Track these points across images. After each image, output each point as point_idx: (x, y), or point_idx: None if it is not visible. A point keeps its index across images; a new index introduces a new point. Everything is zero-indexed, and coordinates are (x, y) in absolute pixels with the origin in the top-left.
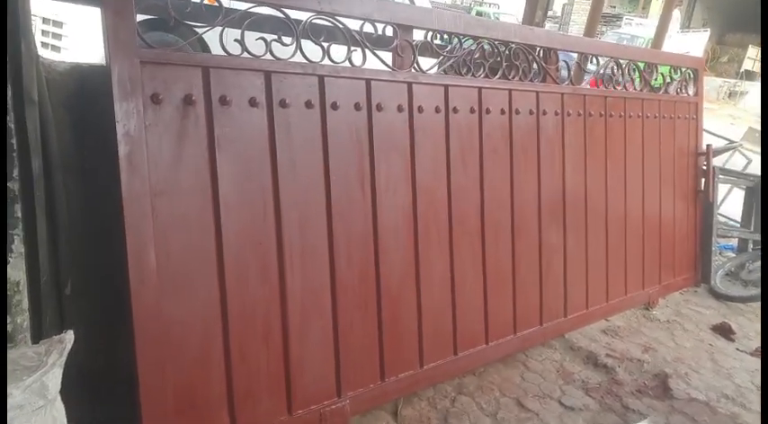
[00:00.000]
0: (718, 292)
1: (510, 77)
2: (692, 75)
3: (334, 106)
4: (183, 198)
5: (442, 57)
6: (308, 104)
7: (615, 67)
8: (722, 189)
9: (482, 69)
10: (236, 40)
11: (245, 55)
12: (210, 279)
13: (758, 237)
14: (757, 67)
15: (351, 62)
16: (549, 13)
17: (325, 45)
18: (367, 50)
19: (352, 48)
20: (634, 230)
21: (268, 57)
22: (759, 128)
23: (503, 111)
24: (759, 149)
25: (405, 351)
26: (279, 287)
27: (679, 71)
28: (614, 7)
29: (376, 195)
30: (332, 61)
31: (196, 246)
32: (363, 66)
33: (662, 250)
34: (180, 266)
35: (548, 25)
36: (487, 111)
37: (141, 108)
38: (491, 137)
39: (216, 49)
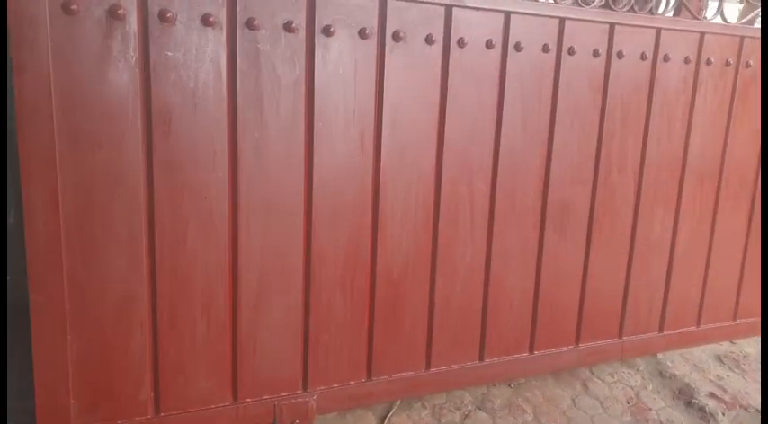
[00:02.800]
0: None
1: (616, 7)
2: None
3: (327, 31)
4: (104, 124)
5: None
6: (288, 27)
7: None
8: None
9: None
10: None
11: None
12: (136, 229)
13: None
14: None
15: None
16: None
17: None
18: None
19: None
20: None
21: None
22: None
23: (596, 53)
24: None
25: (404, 347)
26: (230, 246)
27: None
28: None
29: (381, 151)
30: None
31: (116, 189)
32: None
33: None
34: (95, 212)
35: None
36: (571, 52)
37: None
38: (572, 88)
39: None
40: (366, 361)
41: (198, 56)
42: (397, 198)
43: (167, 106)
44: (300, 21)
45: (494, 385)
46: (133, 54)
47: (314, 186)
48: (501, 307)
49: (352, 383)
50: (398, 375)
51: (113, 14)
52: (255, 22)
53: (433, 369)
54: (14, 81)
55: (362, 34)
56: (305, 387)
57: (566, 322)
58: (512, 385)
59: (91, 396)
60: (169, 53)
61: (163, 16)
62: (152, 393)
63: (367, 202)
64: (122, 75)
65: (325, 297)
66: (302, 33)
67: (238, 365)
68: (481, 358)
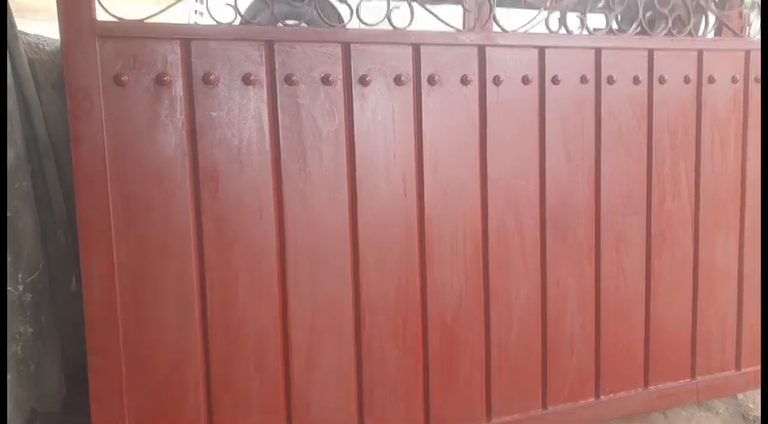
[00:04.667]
0: None
1: (653, 32)
2: None
3: (363, 81)
4: (155, 186)
5: (540, 10)
6: (326, 80)
7: None
8: None
9: (606, 23)
10: None
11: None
12: (188, 287)
13: None
14: None
15: (390, 22)
16: None
17: (354, 2)
18: (415, 5)
19: (393, 5)
20: None
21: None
22: None
23: (637, 80)
24: None
25: (462, 396)
26: (279, 300)
27: None
28: None
29: (423, 193)
30: (363, 23)
31: (167, 249)
32: (408, 28)
33: None
34: (148, 274)
35: None
36: (610, 81)
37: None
38: (614, 117)
39: None
40: (423, 413)
41: (241, 114)
42: (444, 239)
43: (214, 164)
44: (337, 73)
45: None
46: (180, 117)
47: (359, 233)
48: (561, 348)
49: None
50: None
51: (160, 81)
52: (294, 78)
53: (494, 420)
54: (72, 150)
55: (398, 81)
56: None
57: (632, 362)
58: None
59: None
60: (213, 113)
61: (206, 79)
62: None
63: (413, 245)
64: (170, 137)
65: (377, 348)
66: (339, 85)
67: (293, 420)
68: (544, 406)
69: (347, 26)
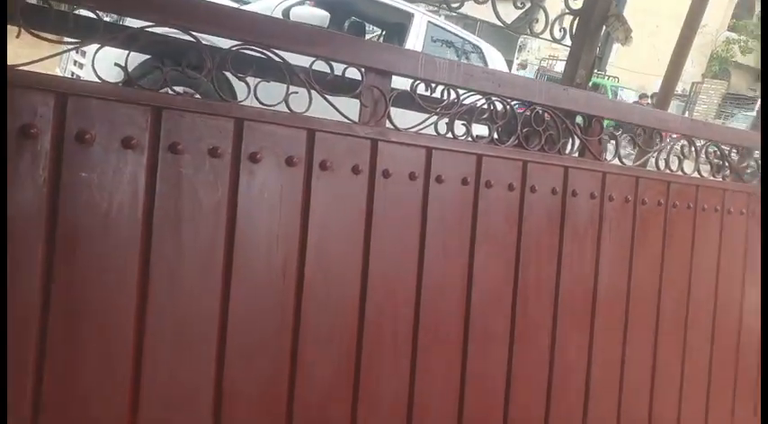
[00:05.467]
0: None
1: (528, 147)
2: None
3: (254, 158)
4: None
5: (431, 114)
6: (213, 153)
7: (687, 147)
8: None
9: (489, 133)
10: None
11: None
12: (24, 358)
13: None
14: None
15: (288, 105)
16: (678, 91)
17: (252, 81)
18: (314, 93)
19: (292, 90)
20: (698, 351)
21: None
22: None
23: (511, 187)
24: None
25: None
26: (132, 377)
27: None
28: (754, 90)
29: (304, 278)
30: (260, 103)
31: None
32: (306, 113)
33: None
34: None
35: (674, 103)
36: (488, 185)
37: None
38: (490, 219)
39: None
40: None
41: (115, 177)
42: (320, 326)
43: (75, 228)
44: (227, 147)
45: None
46: (42, 173)
47: (229, 317)
48: None
49: None
50: None
51: (25, 134)
52: (180, 147)
53: None
54: None
55: (290, 162)
56: None
57: None
58: None
59: None
60: (83, 174)
61: (80, 137)
62: None
63: (287, 332)
64: (27, 195)
65: None
66: (227, 158)
67: None
68: None
69: (242, 104)
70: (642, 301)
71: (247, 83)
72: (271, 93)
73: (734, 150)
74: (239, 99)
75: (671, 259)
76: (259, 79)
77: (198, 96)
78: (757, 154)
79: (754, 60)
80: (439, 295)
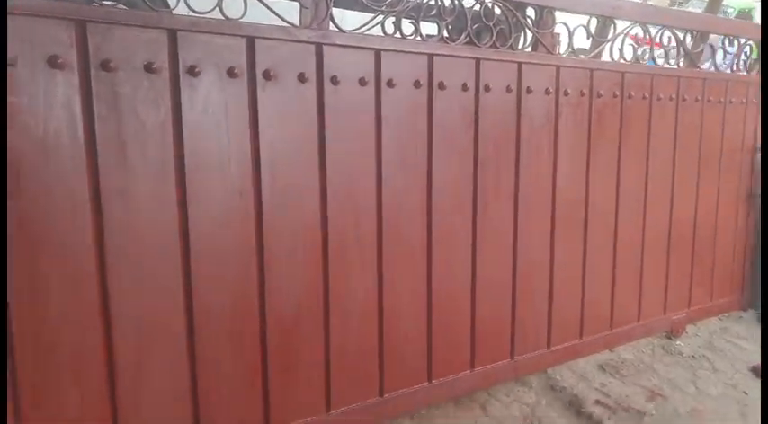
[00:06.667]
0: None
1: (480, 43)
2: (752, 48)
3: (192, 71)
4: None
5: (376, 13)
6: (149, 68)
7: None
8: None
9: (438, 31)
10: None
11: None
12: None
13: None
14: None
15: (222, 11)
16: None
17: None
18: None
19: None
20: (656, 241)
21: None
22: None
23: (465, 87)
24: None
25: (302, 394)
26: (100, 307)
27: (736, 42)
28: None
29: (261, 194)
30: (192, 10)
31: None
32: (241, 19)
33: (696, 265)
34: None
35: None
36: (441, 86)
37: None
38: (446, 122)
39: None
40: (262, 415)
41: (46, 100)
42: (283, 241)
43: (15, 157)
44: (163, 61)
45: (396, 420)
46: None
47: (190, 236)
48: (396, 341)
49: None
50: (298, 421)
51: None
52: (111, 64)
53: (333, 411)
54: None
55: (231, 73)
56: None
57: (460, 348)
58: (414, 418)
59: None
60: (12, 98)
61: None
62: None
63: (251, 249)
64: None
65: (212, 355)
66: (165, 74)
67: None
68: (381, 394)
69: (173, 13)
70: (601, 194)
71: None
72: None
73: (688, 35)
74: (171, 8)
75: (627, 151)
76: None
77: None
78: (713, 36)
79: None
80: (399, 203)
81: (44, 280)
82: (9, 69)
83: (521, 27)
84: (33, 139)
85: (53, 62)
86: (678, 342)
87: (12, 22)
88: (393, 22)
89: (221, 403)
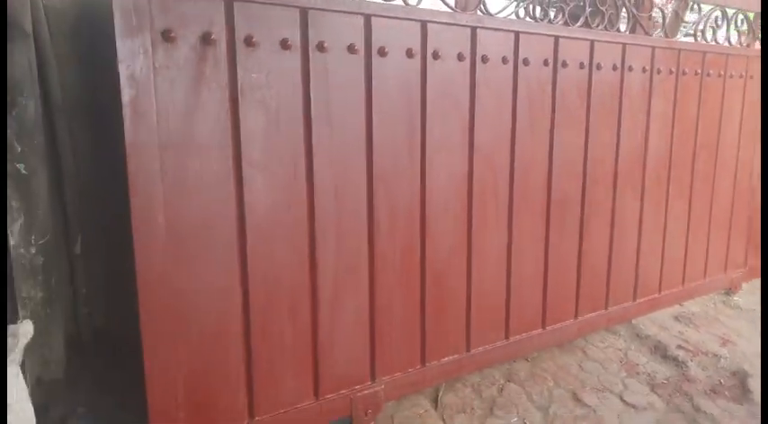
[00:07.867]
0: None
1: (593, 26)
2: None
3: (382, 52)
4: (199, 153)
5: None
6: (352, 49)
7: (720, 17)
8: None
9: (561, 15)
10: None
11: None
12: (228, 241)
13: None
14: None
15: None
16: None
17: None
18: None
19: None
20: (721, 205)
21: None
22: None
23: (582, 65)
24: None
25: (450, 334)
26: (309, 258)
27: None
28: None
29: (425, 158)
30: None
31: (213, 209)
32: (419, 5)
33: (752, 228)
34: (194, 229)
35: None
36: (564, 65)
37: (150, 47)
38: (566, 96)
39: None
40: (420, 351)
41: (278, 78)
42: (441, 195)
43: (256, 127)
44: (360, 43)
45: (515, 361)
46: (223, 77)
47: (374, 190)
48: (520, 289)
49: (411, 370)
50: (446, 359)
51: (206, 41)
52: (326, 45)
53: (472, 351)
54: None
55: (409, 54)
56: (373, 379)
57: (567, 299)
58: (528, 359)
59: (194, 407)
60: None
61: (249, 41)
62: (246, 400)
63: (416, 204)
64: (213, 102)
65: (387, 296)
66: (361, 54)
67: (319, 364)
68: (507, 337)
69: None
70: (681, 163)
71: None
72: None
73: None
74: None
75: (704, 122)
76: None
77: None
78: None
79: None
80: (527, 167)
81: (270, 230)
82: (250, 49)
83: (623, 10)
84: (268, 110)
85: (284, 44)
86: (736, 298)
87: (248, 10)
88: (530, 6)
89: (393, 341)
